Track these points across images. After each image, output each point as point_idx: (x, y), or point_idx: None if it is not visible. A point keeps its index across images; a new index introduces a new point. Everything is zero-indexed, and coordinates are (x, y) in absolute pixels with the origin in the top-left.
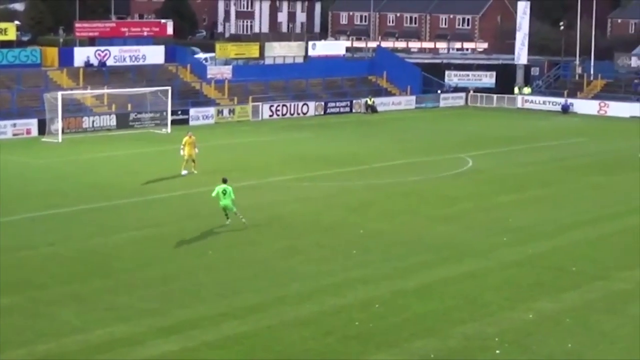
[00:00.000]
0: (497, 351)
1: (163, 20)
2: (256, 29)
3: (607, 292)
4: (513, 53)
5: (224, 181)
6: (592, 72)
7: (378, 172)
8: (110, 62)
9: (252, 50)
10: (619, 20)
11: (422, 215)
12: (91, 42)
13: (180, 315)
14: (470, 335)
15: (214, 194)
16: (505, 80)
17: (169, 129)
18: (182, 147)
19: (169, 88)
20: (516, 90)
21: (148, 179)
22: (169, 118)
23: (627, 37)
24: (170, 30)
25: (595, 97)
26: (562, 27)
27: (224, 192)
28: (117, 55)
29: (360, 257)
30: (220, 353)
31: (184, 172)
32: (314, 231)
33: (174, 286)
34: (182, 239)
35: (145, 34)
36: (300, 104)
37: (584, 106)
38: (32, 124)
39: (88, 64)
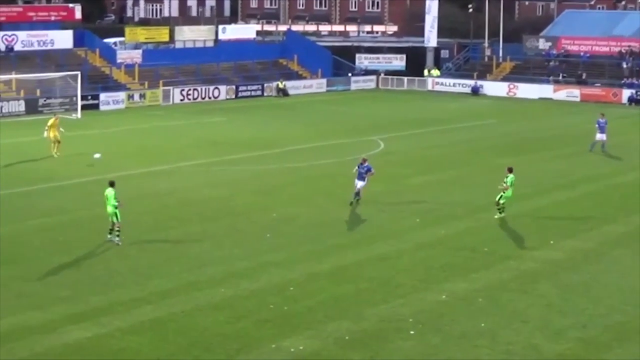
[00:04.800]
0: (412, 332)
1: (71, 5)
2: (165, 13)
3: (518, 271)
4: (423, 36)
5: (111, 184)
6: (500, 54)
7: (290, 155)
8: (17, 47)
9: (162, 34)
10: (527, 3)
11: (335, 198)
12: None
13: (93, 301)
14: (384, 317)
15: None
16: (415, 63)
17: (79, 114)
18: (46, 128)
19: (79, 73)
20: (426, 72)
21: (58, 165)
22: (79, 103)
23: (534, 19)
24: (78, 14)
25: (504, 79)
26: (470, 10)
27: (107, 198)
28: (24, 40)
29: (273, 241)
30: (134, 339)
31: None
32: (227, 215)
33: (86, 273)
34: (93, 226)
35: (53, 18)
36: (212, 87)
37: (493, 88)
38: None
39: None
